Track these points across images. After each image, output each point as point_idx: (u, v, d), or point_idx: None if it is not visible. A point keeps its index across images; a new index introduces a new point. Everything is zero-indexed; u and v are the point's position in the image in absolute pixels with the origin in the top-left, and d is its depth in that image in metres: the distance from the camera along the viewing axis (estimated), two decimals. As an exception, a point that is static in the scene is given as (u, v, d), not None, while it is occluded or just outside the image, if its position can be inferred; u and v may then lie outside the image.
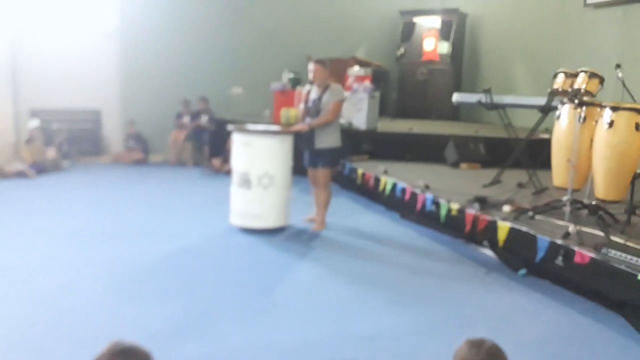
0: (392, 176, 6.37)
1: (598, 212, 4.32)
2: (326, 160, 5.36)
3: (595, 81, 4.52)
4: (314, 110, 5.29)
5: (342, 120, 7.97)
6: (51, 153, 8.60)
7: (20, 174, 7.80)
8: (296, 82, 9.20)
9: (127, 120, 9.64)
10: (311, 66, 5.29)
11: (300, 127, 5.35)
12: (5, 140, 8.92)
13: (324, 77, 5.27)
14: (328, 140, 5.30)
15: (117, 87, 9.74)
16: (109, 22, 9.58)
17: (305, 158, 5.48)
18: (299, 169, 5.76)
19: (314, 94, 5.35)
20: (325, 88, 5.28)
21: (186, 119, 9.61)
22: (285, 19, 10.80)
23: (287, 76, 9.28)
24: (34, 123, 8.78)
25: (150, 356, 1.45)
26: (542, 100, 5.78)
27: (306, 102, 5.38)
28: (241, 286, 3.91)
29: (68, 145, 9.11)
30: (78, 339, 3.01)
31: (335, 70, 7.95)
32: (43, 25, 9.16)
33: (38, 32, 9.13)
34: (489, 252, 4.67)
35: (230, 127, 5.48)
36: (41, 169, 8.12)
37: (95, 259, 4.37)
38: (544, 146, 5.41)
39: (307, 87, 5.53)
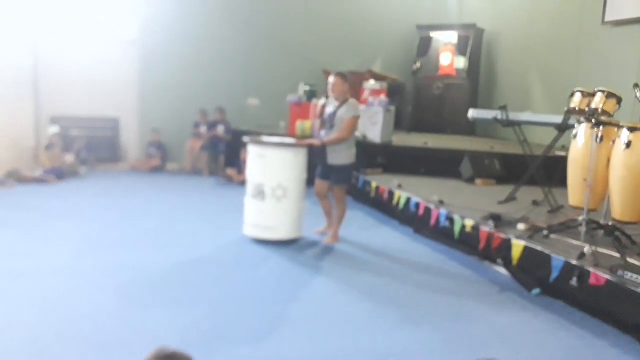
0: (406, 190, 6.35)
1: (614, 233, 4.26)
2: (340, 178, 5.35)
3: (613, 101, 4.48)
4: (329, 124, 5.29)
5: (357, 134, 8.02)
6: (69, 159, 8.71)
7: (40, 181, 7.90)
8: (312, 94, 9.25)
9: (150, 128, 9.75)
10: (331, 79, 5.29)
11: (313, 141, 5.37)
12: (25, 145, 9.06)
13: (342, 91, 5.27)
14: (341, 156, 5.29)
15: (136, 96, 9.87)
16: (129, 31, 9.73)
17: (318, 169, 5.49)
18: (312, 181, 5.78)
19: (330, 108, 5.35)
20: (342, 102, 5.28)
21: (203, 129, 9.70)
22: (303, 33, 10.87)
23: (303, 89, 9.33)
24: (54, 129, 8.91)
25: None
26: (558, 119, 5.74)
27: (322, 115, 5.38)
28: (252, 298, 3.90)
29: (86, 151, 9.23)
30: (87, 345, 3.03)
31: (351, 83, 7.99)
32: (64, 33, 9.33)
33: (59, 40, 9.30)
34: (502, 271, 4.62)
35: (245, 138, 5.51)
36: (59, 174, 8.23)
37: (109, 266, 4.40)
38: (560, 164, 5.36)
39: (322, 100, 5.53)
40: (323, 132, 5.34)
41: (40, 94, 9.33)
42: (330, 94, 5.34)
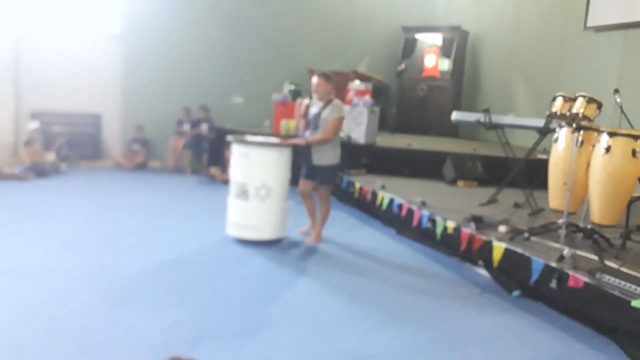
0: (389, 191, 6.38)
1: (593, 236, 4.33)
2: (324, 178, 5.38)
3: (593, 106, 4.55)
4: (313, 124, 5.31)
5: (342, 134, 8.03)
6: (50, 156, 8.59)
7: (19, 178, 7.78)
8: (297, 93, 9.25)
9: (133, 125, 9.67)
10: (314, 79, 5.30)
11: (297, 141, 5.37)
12: (4, 140, 8.91)
13: (326, 91, 5.28)
14: (326, 157, 5.31)
15: (118, 92, 9.77)
16: (112, 26, 9.63)
17: (302, 169, 5.50)
18: (296, 181, 5.78)
19: (315, 108, 5.36)
20: (327, 103, 5.29)
21: (186, 127, 9.64)
22: (289, 32, 10.87)
23: (288, 88, 9.32)
24: (34, 125, 8.78)
25: None
26: (540, 122, 5.82)
27: (305, 115, 5.39)
28: (235, 299, 3.89)
29: (67, 148, 9.11)
30: (70, 347, 2.99)
31: (336, 83, 8.00)
32: (46, 27, 9.20)
33: (41, 33, 9.17)
34: (483, 272, 4.66)
35: (229, 137, 5.49)
36: (40, 171, 8.11)
37: (90, 266, 4.35)
38: (542, 167, 5.43)
39: (306, 100, 5.53)
40: (308, 133, 5.35)
41: (21, 89, 9.20)
42: (313, 95, 5.35)
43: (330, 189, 5.53)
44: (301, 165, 5.47)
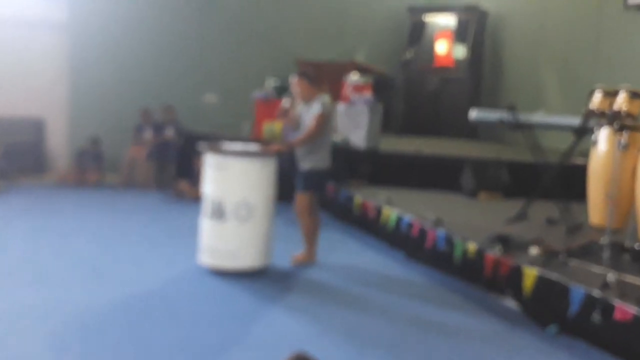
0: (396, 207, 6.39)
1: (643, 258, 4.35)
2: (302, 183, 5.49)
3: (638, 102, 4.59)
4: (299, 126, 5.53)
5: (339, 138, 8.07)
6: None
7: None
8: (282, 90, 9.26)
9: (82, 130, 9.63)
10: (292, 80, 5.42)
11: (277, 147, 5.49)
12: None
13: (308, 94, 5.42)
14: (307, 160, 5.45)
15: (65, 92, 9.75)
16: (56, 15, 9.62)
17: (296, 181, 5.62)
18: (283, 196, 5.78)
19: (302, 110, 5.53)
20: (312, 102, 5.44)
21: (148, 133, 9.61)
22: (272, 16, 10.92)
23: (271, 83, 9.34)
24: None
25: None
26: (576, 121, 5.85)
27: (284, 116, 5.57)
28: (210, 345, 3.87)
29: (5, 161, 9.04)
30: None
31: (329, 77, 8.04)
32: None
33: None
34: (512, 304, 4.67)
35: (201, 145, 5.50)
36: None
37: (33, 305, 4.31)
38: (579, 174, 5.46)
39: (288, 100, 5.68)
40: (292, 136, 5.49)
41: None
42: (296, 99, 5.49)
43: (308, 197, 5.54)
44: (293, 175, 5.57)
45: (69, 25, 9.66)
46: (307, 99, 5.44)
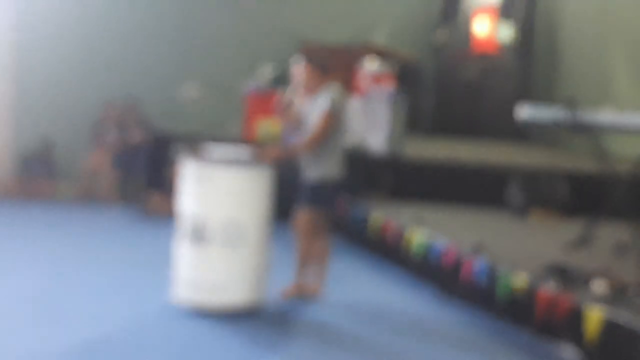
0: (424, 228, 6.39)
1: None
2: (307, 197, 5.50)
3: None
4: (304, 127, 5.52)
5: (352, 140, 8.06)
6: None
7: None
8: (279, 80, 9.29)
9: (33, 134, 9.67)
10: (298, 68, 5.41)
11: (274, 152, 5.54)
12: None
13: (317, 85, 5.41)
14: (316, 168, 5.44)
15: (9, 85, 9.80)
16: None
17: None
18: (281, 214, 5.80)
19: (306, 105, 5.53)
20: (319, 94, 5.45)
21: (111, 134, 9.64)
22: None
23: (266, 72, 9.37)
24: None
25: None
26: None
27: (289, 113, 5.56)
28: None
29: None
30: None
31: (340, 64, 8.05)
32: None
33: None
34: (571, 354, 4.64)
35: (177, 149, 5.52)
36: None
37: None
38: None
39: (289, 91, 5.66)
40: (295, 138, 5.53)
41: None
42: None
43: (313, 214, 5.56)
44: (296, 188, 5.61)
45: (14, 5, 9.70)
46: (314, 91, 5.43)
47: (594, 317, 4.37)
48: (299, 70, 5.46)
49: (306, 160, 5.49)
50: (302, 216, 5.56)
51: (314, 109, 5.45)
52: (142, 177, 9.50)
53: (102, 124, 9.74)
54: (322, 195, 5.55)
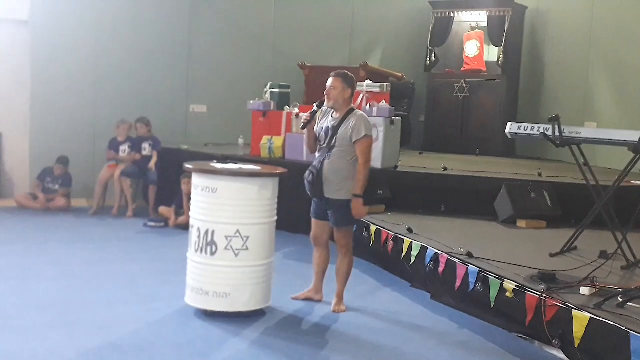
0: (419, 237, 6.39)
1: None
2: (341, 218, 5.49)
3: None
4: (326, 143, 5.46)
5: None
6: None
7: None
8: (283, 99, 9.32)
9: (46, 147, 9.71)
10: (329, 80, 5.39)
11: (363, 208, 5.47)
12: None
13: (343, 98, 5.41)
14: (345, 187, 5.41)
15: (26, 102, 9.80)
16: (17, 12, 9.70)
17: (312, 206, 5.66)
18: (284, 223, 5.79)
19: (326, 120, 5.52)
20: (346, 114, 5.42)
21: (125, 149, 9.64)
22: (268, 12, 10.99)
23: (270, 91, 9.40)
24: None
25: None
26: (634, 136, 5.85)
27: (305, 127, 5.51)
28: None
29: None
30: None
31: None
32: None
33: None
34: (559, 355, 4.64)
35: (186, 165, 5.53)
36: None
37: (-12, 356, 4.32)
38: (638, 198, 5.45)
39: (315, 107, 5.60)
40: (318, 155, 5.51)
41: None
42: (326, 102, 5.46)
43: (351, 232, 5.67)
44: (311, 197, 5.59)
45: (32, 22, 9.72)
46: (340, 105, 5.40)
47: (581, 319, 4.36)
48: (329, 81, 5.37)
49: (338, 180, 5.41)
50: (346, 235, 5.59)
51: (343, 125, 5.38)
52: (154, 189, 9.53)
53: (115, 140, 9.73)
54: (350, 213, 5.52)
